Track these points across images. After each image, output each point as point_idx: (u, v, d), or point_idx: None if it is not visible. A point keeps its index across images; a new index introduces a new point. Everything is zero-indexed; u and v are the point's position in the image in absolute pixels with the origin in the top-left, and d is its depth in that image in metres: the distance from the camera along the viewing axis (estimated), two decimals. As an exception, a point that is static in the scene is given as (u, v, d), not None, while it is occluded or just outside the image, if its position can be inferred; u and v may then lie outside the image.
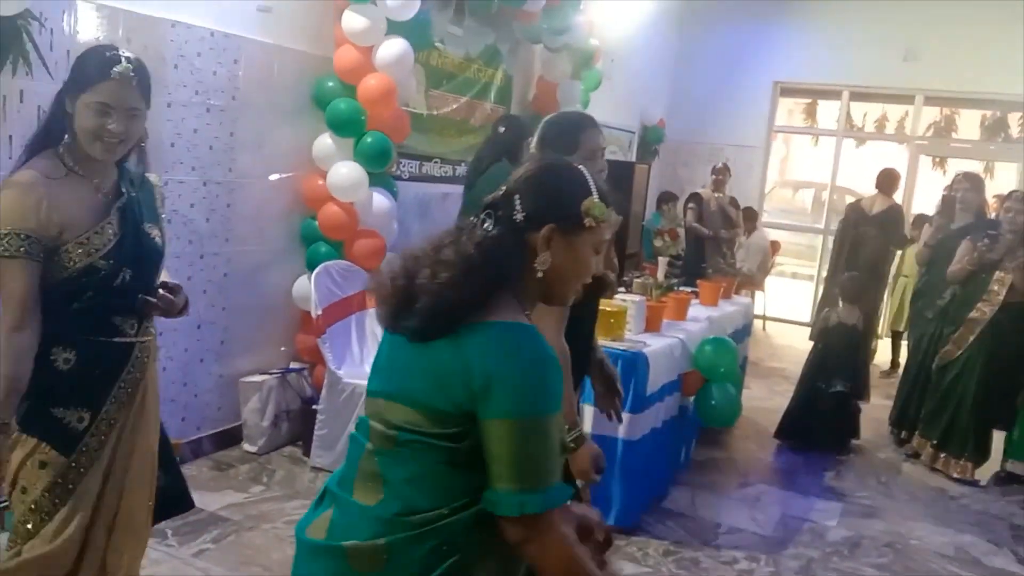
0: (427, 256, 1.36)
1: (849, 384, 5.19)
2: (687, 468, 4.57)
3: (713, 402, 4.21)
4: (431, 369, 1.30)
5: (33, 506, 2.00)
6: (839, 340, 5.25)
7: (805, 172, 12.94)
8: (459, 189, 4.88)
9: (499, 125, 4.15)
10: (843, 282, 5.60)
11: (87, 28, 3.33)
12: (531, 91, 6.75)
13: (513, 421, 1.23)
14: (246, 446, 4.30)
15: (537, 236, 1.35)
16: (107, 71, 1.94)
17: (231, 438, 4.31)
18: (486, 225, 1.37)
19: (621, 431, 3.66)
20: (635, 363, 3.65)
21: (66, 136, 2.00)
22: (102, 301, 2.02)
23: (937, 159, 10.48)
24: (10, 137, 3.12)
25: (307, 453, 4.24)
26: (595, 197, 1.39)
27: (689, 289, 5.29)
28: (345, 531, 1.32)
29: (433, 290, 1.31)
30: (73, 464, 2.02)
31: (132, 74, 1.97)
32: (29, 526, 2.01)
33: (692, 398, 4.31)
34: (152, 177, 2.25)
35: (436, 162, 5.68)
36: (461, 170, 5.66)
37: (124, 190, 2.08)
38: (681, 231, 7.53)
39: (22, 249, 1.89)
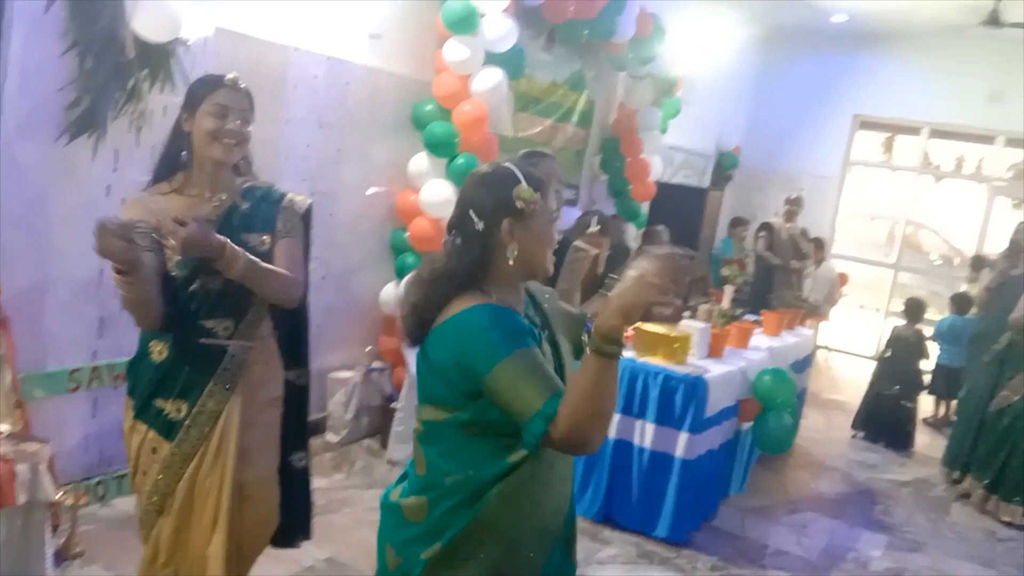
0: (418, 276, 1.71)
1: (901, 387, 6.24)
2: (741, 491, 4.77)
3: (769, 429, 4.42)
4: (430, 369, 1.65)
5: (153, 487, 2.28)
6: (896, 350, 6.36)
7: (880, 204, 12.87)
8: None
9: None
10: (906, 303, 6.60)
11: (223, 52, 3.73)
12: (612, 115, 7.02)
13: (488, 376, 1.53)
14: (329, 436, 4.67)
15: (500, 233, 1.64)
16: (220, 80, 2.21)
17: (315, 427, 4.67)
18: (456, 241, 1.68)
19: (679, 450, 3.91)
20: (696, 387, 3.90)
21: (184, 154, 2.21)
22: (191, 305, 2.20)
23: (1016, 201, 10.39)
24: (152, 147, 3.52)
25: (384, 446, 4.59)
26: (523, 184, 1.65)
27: (754, 318, 5.49)
28: (406, 493, 1.73)
29: (413, 302, 1.67)
30: (177, 450, 2.26)
31: (241, 82, 2.25)
32: (155, 504, 2.30)
33: (748, 424, 4.52)
34: (298, 199, 2.38)
35: (518, 181, 5.98)
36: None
37: (234, 203, 2.25)
38: (748, 260, 7.69)
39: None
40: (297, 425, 2.54)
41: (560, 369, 1.72)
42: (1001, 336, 5.10)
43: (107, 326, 3.52)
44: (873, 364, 8.58)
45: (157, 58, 3.41)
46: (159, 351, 2.23)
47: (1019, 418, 4.94)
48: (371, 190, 4.73)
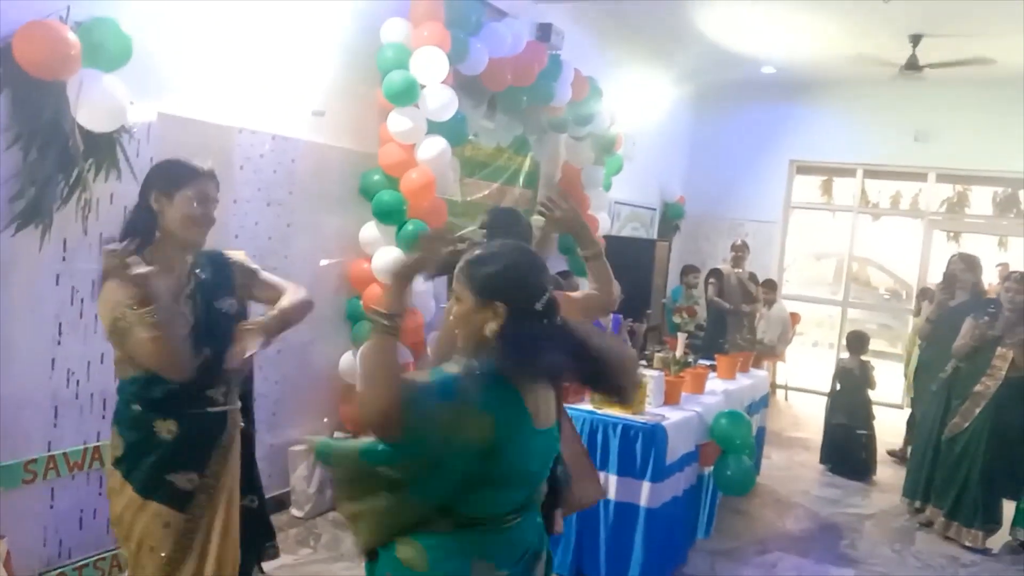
0: None
1: (850, 418, 6.40)
2: (708, 535, 4.81)
3: (729, 472, 4.48)
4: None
5: (167, 560, 2.37)
6: (843, 382, 6.57)
7: (824, 244, 13.28)
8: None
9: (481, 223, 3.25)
10: (848, 336, 6.83)
11: (167, 137, 3.79)
12: (557, 175, 7.20)
13: None
14: (294, 511, 4.62)
15: None
16: (199, 169, 2.40)
17: (279, 504, 4.63)
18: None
19: (643, 500, 3.95)
20: (654, 434, 3.96)
21: (156, 233, 2.35)
22: (194, 378, 2.33)
23: (951, 234, 10.80)
24: (100, 234, 3.55)
25: (350, 518, 4.54)
26: None
27: (708, 362, 5.60)
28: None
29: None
30: (188, 519, 2.40)
31: (214, 172, 2.46)
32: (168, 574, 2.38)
33: (709, 468, 4.58)
34: (235, 255, 2.63)
35: (469, 244, 6.08)
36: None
37: (193, 274, 2.42)
38: (698, 307, 7.85)
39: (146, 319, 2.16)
40: (248, 470, 2.80)
41: None
42: (946, 365, 5.28)
43: (61, 415, 3.49)
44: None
45: (102, 147, 3.44)
46: (168, 430, 2.35)
47: (970, 444, 5.08)
48: (324, 262, 4.78)
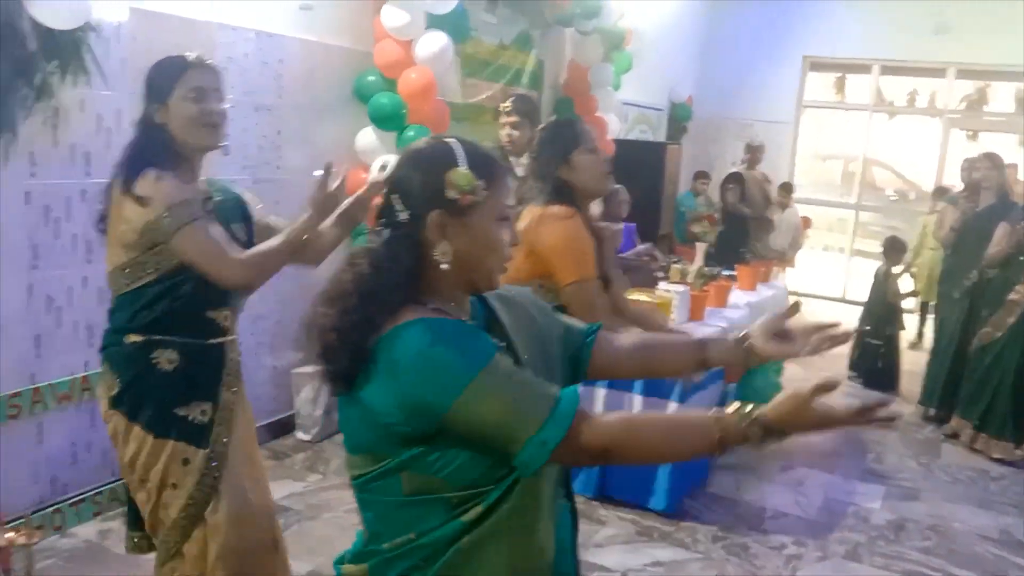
0: (338, 287, 1.30)
1: (873, 326, 6.15)
2: (732, 454, 4.63)
3: (755, 388, 4.28)
4: (358, 412, 1.27)
5: (190, 500, 2.16)
6: (873, 290, 6.29)
7: (835, 144, 12.85)
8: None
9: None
10: (884, 242, 6.46)
11: (140, 35, 3.40)
12: (562, 75, 6.77)
13: (458, 403, 1.18)
14: (300, 434, 4.42)
15: (427, 229, 1.29)
16: (184, 62, 2.11)
17: (285, 427, 4.43)
18: (382, 235, 1.31)
19: (668, 420, 3.74)
20: (681, 353, 3.72)
21: (176, 150, 2.11)
22: (196, 297, 2.12)
23: (970, 133, 10.40)
24: (72, 145, 3.22)
25: (358, 441, 4.35)
26: (461, 167, 1.29)
27: (727, 273, 5.33)
28: (348, 557, 1.39)
29: (335, 327, 1.26)
30: (211, 454, 2.17)
31: (207, 60, 2.14)
32: (188, 519, 2.17)
33: (734, 384, 4.37)
34: (244, 193, 2.38)
35: (472, 149, 5.72)
36: (497, 157, 5.73)
37: (212, 195, 2.20)
38: (717, 215, 7.54)
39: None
40: None
41: None
42: (970, 272, 5.05)
43: (44, 345, 3.22)
44: (841, 305, 8.61)
45: (66, 48, 3.07)
46: (168, 359, 2.12)
47: (1002, 354, 4.87)
48: (318, 172, 4.42)
